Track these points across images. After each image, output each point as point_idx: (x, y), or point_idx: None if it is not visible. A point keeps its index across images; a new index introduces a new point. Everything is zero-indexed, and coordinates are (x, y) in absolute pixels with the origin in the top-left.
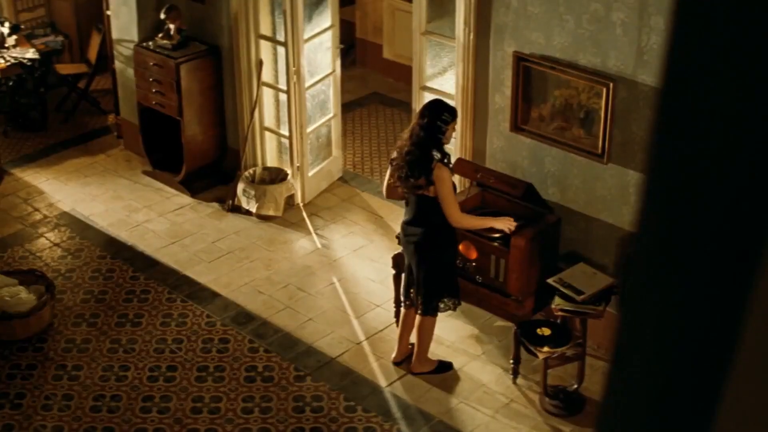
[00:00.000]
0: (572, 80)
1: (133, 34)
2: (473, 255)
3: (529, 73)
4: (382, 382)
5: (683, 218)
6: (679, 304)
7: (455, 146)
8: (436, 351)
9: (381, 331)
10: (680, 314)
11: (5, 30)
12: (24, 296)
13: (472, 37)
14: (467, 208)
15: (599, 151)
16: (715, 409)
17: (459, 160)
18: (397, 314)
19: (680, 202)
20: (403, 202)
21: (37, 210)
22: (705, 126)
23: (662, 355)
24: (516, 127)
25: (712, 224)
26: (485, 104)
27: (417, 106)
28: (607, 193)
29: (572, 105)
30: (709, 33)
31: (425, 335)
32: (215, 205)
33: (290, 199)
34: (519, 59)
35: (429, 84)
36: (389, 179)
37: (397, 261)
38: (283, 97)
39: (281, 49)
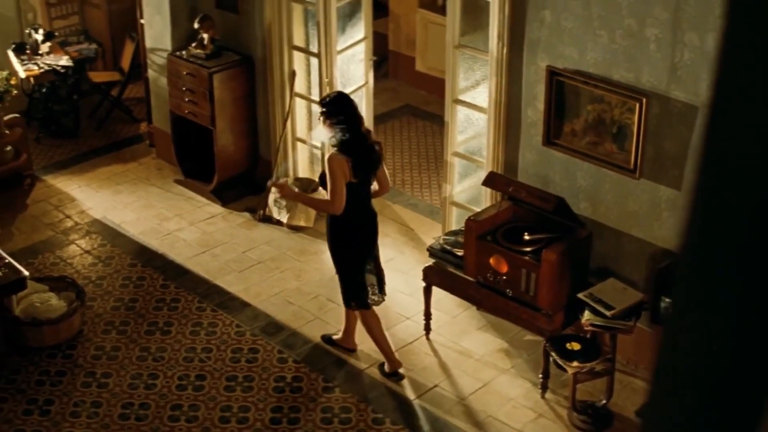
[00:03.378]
0: (605, 95)
1: (167, 43)
2: (504, 268)
3: (562, 88)
4: (411, 395)
5: (729, 234)
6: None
7: (487, 159)
8: (465, 364)
9: (410, 343)
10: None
11: (39, 37)
12: (54, 303)
13: (505, 51)
14: (497, 222)
15: (631, 166)
16: (757, 424)
17: (491, 173)
18: (427, 327)
19: (727, 217)
20: (433, 214)
21: (68, 217)
22: (754, 140)
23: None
24: (548, 141)
25: (759, 240)
26: (518, 118)
27: (450, 119)
28: (639, 208)
29: (605, 120)
30: (757, 48)
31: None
32: (246, 214)
33: None
34: (552, 74)
35: (461, 97)
36: None
37: (428, 274)
38: (315, 108)
39: (314, 60)
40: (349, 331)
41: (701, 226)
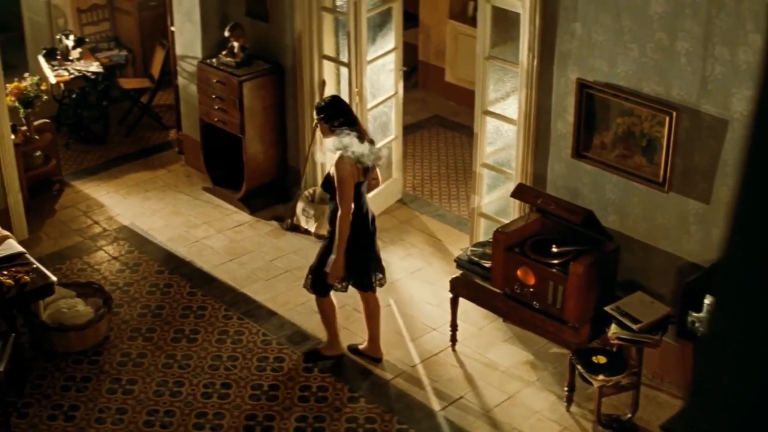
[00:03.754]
0: (635, 108)
1: (197, 51)
2: (531, 281)
3: (592, 101)
4: (436, 406)
5: None
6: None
7: (516, 171)
8: (491, 376)
9: (436, 354)
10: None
11: (70, 43)
12: (81, 308)
13: (535, 63)
14: (525, 234)
15: (660, 179)
16: None
17: (520, 185)
18: (453, 338)
19: None
20: (461, 225)
21: (96, 223)
22: None
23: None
24: (578, 153)
25: None
26: (547, 130)
27: (479, 130)
28: (667, 222)
29: (634, 133)
30: None
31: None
32: (274, 223)
33: None
34: (582, 86)
35: (491, 108)
36: None
37: (455, 285)
38: None
39: (344, 70)
40: (373, 338)
41: (743, 239)
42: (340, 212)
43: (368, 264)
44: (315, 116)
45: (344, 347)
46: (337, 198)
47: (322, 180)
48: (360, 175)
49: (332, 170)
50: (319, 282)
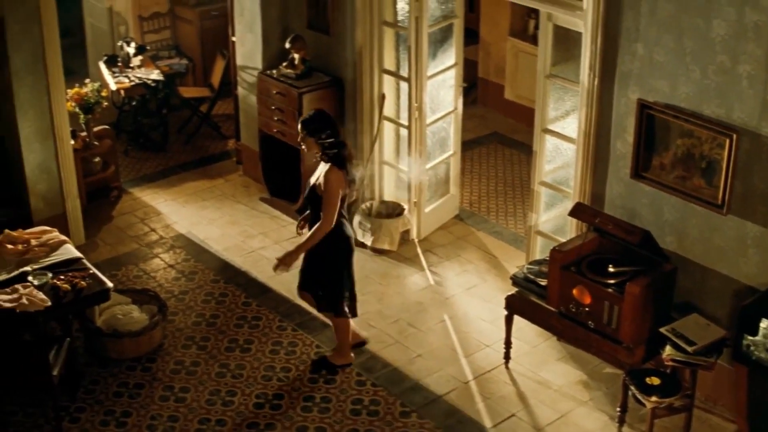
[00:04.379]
0: (695, 130)
1: (258, 62)
2: (587, 300)
3: (652, 121)
4: (488, 423)
5: None
6: None
7: (574, 190)
8: (544, 394)
9: (489, 371)
10: None
11: (131, 50)
12: (136, 315)
13: (596, 82)
14: (582, 253)
15: (719, 201)
16: None
17: (578, 204)
18: (507, 355)
19: None
20: (517, 243)
21: (153, 230)
22: None
23: None
24: (636, 174)
25: None
26: (606, 150)
27: (538, 148)
28: (725, 244)
29: (694, 155)
30: None
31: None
32: None
33: (406, 234)
34: (643, 107)
35: (551, 127)
36: None
37: (511, 302)
38: (403, 132)
39: (404, 85)
40: (344, 347)
41: None
42: (322, 222)
43: (341, 285)
44: (300, 130)
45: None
46: (324, 209)
47: (307, 191)
48: (345, 187)
49: (320, 181)
50: (336, 298)
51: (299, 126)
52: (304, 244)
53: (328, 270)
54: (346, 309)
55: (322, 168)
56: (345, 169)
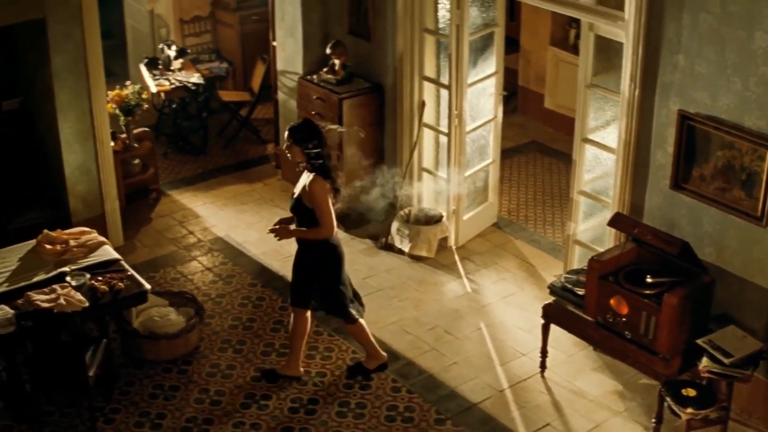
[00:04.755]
0: (736, 142)
1: (298, 67)
2: (624, 310)
3: (692, 132)
4: None
5: None
6: None
7: (613, 200)
8: (579, 404)
9: (525, 380)
10: None
11: (172, 53)
12: (173, 317)
13: (637, 93)
14: (620, 263)
15: (759, 214)
16: None
17: (617, 214)
18: (542, 364)
19: None
20: (555, 252)
21: (191, 233)
22: None
23: None
24: (676, 185)
25: None
26: (646, 160)
27: (577, 157)
28: (764, 256)
29: (734, 166)
30: None
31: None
32: (368, 241)
33: (443, 241)
34: (683, 118)
35: (591, 136)
36: None
37: (548, 311)
38: (443, 139)
39: (444, 92)
40: (369, 349)
41: None
42: (321, 228)
43: (342, 293)
44: (287, 138)
45: (301, 370)
46: (320, 218)
47: (291, 202)
48: (332, 196)
49: (308, 193)
50: (339, 304)
51: (286, 133)
52: (301, 232)
53: (325, 282)
54: (354, 312)
55: (306, 178)
56: (330, 178)
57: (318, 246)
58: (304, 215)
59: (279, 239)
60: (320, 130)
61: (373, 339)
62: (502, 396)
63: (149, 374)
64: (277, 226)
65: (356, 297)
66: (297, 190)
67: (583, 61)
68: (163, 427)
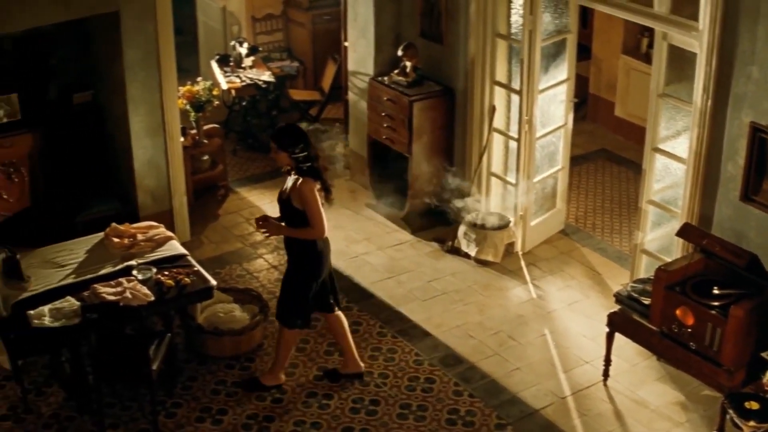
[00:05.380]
0: None
1: (369, 68)
2: (690, 321)
3: (764, 145)
4: None
5: None
6: None
7: (682, 210)
8: (640, 413)
9: (587, 388)
10: None
11: (243, 51)
12: (237, 314)
13: (709, 103)
14: (688, 273)
15: None
16: None
17: (686, 224)
18: (605, 373)
19: None
20: (621, 260)
21: (258, 231)
22: None
23: None
24: (746, 197)
25: None
26: (717, 171)
27: (647, 166)
28: None
29: None
30: None
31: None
32: (434, 244)
33: (510, 246)
34: (755, 129)
35: (661, 146)
36: None
37: (613, 319)
38: (512, 144)
39: (515, 97)
40: (347, 354)
41: None
42: (313, 229)
43: (324, 287)
44: (272, 145)
45: (283, 377)
46: (311, 219)
47: (280, 205)
48: (323, 198)
49: (297, 195)
50: (285, 311)
51: (271, 141)
52: (293, 231)
53: (295, 281)
54: (298, 322)
55: (292, 180)
56: (320, 179)
57: (307, 251)
58: (293, 216)
59: (268, 236)
60: (305, 133)
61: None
62: (563, 403)
63: (212, 370)
64: (263, 222)
65: (334, 293)
66: (286, 191)
67: (655, 70)
68: (224, 423)
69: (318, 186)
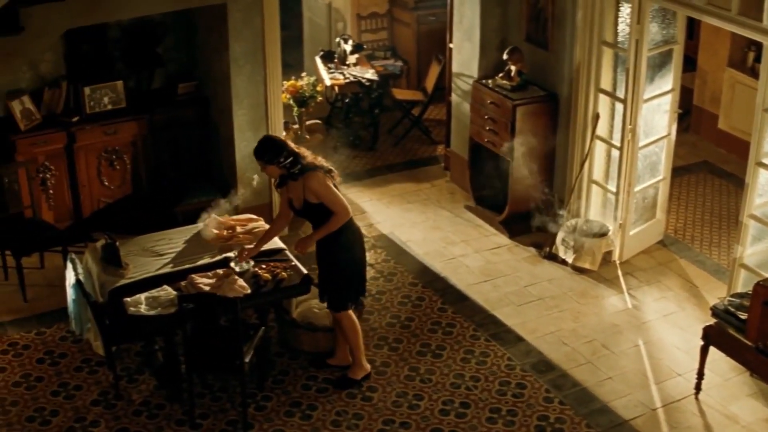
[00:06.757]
0: None
1: (473, 70)
2: None
3: None
4: None
5: None
6: None
7: None
8: (731, 429)
9: (679, 400)
10: None
11: (348, 48)
12: None
13: None
14: None
15: None
16: None
17: None
18: (698, 386)
19: None
20: (719, 274)
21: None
22: None
23: None
24: None
25: None
26: None
27: (750, 180)
28: None
29: None
30: None
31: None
32: (532, 249)
33: (608, 254)
34: None
35: (765, 160)
36: None
37: (708, 333)
38: (615, 153)
39: (619, 106)
40: (341, 348)
41: None
42: (336, 215)
43: (349, 282)
44: (258, 162)
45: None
46: (332, 207)
47: (298, 210)
48: (331, 181)
49: (308, 193)
50: (333, 298)
51: (256, 159)
52: (320, 231)
53: (336, 267)
54: (349, 304)
55: (295, 185)
56: (317, 168)
57: (337, 237)
58: (319, 215)
59: (302, 253)
60: (281, 140)
61: (362, 345)
62: (654, 415)
63: (303, 365)
64: (301, 246)
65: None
66: (296, 198)
67: (762, 84)
68: (313, 418)
69: (320, 174)
